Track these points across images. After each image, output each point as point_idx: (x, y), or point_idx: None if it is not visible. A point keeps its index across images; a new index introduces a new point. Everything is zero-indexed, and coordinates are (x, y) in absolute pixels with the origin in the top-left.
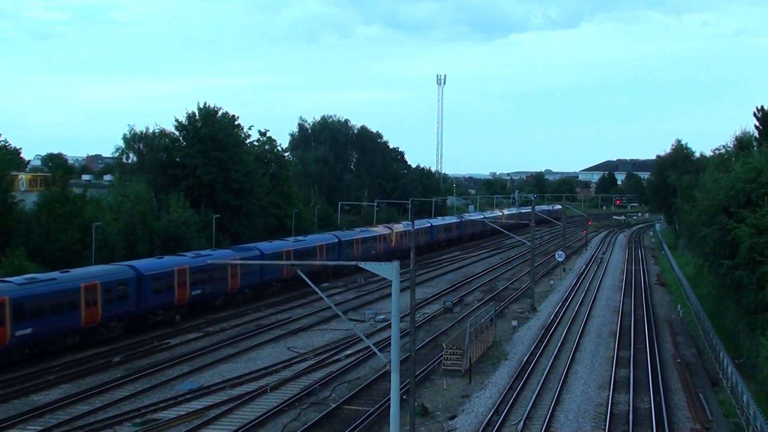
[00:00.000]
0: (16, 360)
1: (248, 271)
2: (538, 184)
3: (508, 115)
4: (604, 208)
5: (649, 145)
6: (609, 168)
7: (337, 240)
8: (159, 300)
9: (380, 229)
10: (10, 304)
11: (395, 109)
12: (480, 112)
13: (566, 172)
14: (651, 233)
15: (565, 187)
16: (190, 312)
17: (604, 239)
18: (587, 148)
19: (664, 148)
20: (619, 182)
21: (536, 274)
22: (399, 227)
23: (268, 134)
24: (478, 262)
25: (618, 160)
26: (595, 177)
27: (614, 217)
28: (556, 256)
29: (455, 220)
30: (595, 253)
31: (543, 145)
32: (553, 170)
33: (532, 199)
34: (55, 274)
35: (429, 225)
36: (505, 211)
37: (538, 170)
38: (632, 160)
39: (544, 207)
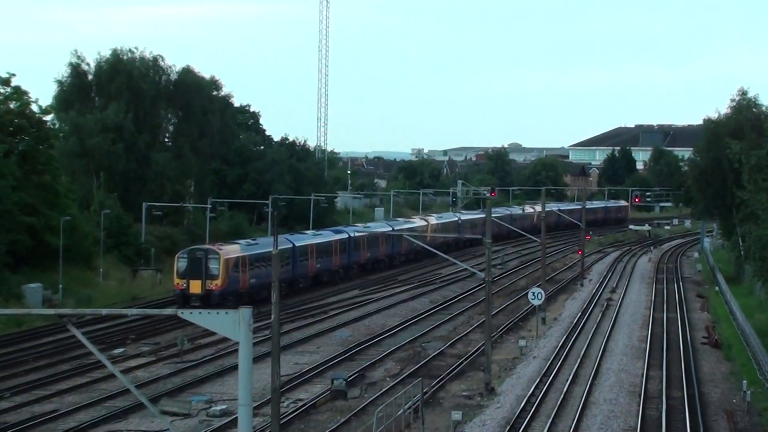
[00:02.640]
0: (246, 302)
1: (344, 251)
2: (497, 169)
3: (444, 49)
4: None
5: (691, 101)
6: (622, 141)
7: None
8: (303, 268)
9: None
10: (248, 260)
11: (245, 38)
12: (395, 42)
13: (547, 149)
14: (695, 254)
15: (544, 174)
16: (312, 283)
17: (614, 265)
18: (584, 108)
19: (718, 106)
20: (639, 165)
21: (495, 330)
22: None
23: (14, 83)
24: (392, 307)
25: (637, 128)
26: (598, 156)
27: (632, 226)
28: (530, 296)
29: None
30: (598, 289)
31: (505, 103)
32: (525, 145)
33: (486, 196)
34: (250, 240)
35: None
36: (439, 218)
37: (498, 145)
38: (662, 126)
39: (510, 209)
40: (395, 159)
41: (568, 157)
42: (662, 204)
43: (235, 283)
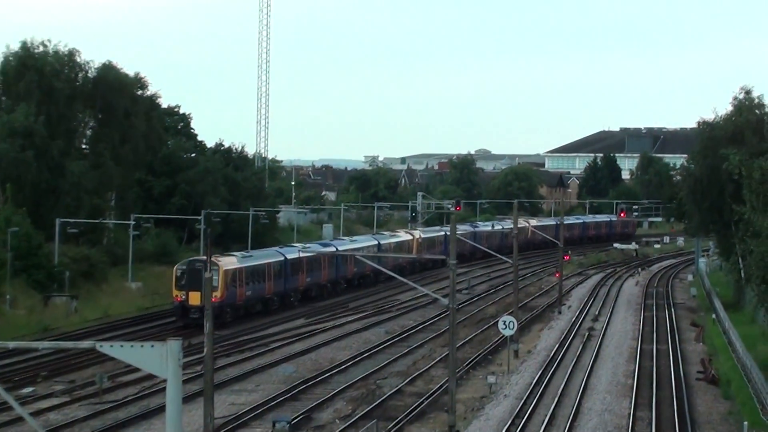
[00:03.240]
0: (242, 315)
1: (332, 265)
2: (463, 179)
3: (401, 45)
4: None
5: (683, 101)
6: (605, 146)
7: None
8: (294, 282)
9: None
10: (245, 272)
11: (173, 30)
12: (345, 38)
13: (519, 156)
14: (689, 277)
15: (517, 184)
16: (302, 297)
17: (597, 290)
18: (561, 109)
19: (716, 107)
20: (625, 174)
21: (461, 364)
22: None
23: None
24: (342, 338)
25: (623, 132)
26: (578, 164)
27: (617, 245)
28: (501, 325)
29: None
30: (578, 317)
31: (472, 104)
32: (494, 152)
33: (450, 210)
34: (245, 252)
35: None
36: (418, 233)
37: (463, 152)
38: (651, 130)
39: (501, 223)
40: (346, 168)
41: (543, 165)
42: (651, 219)
43: (233, 296)
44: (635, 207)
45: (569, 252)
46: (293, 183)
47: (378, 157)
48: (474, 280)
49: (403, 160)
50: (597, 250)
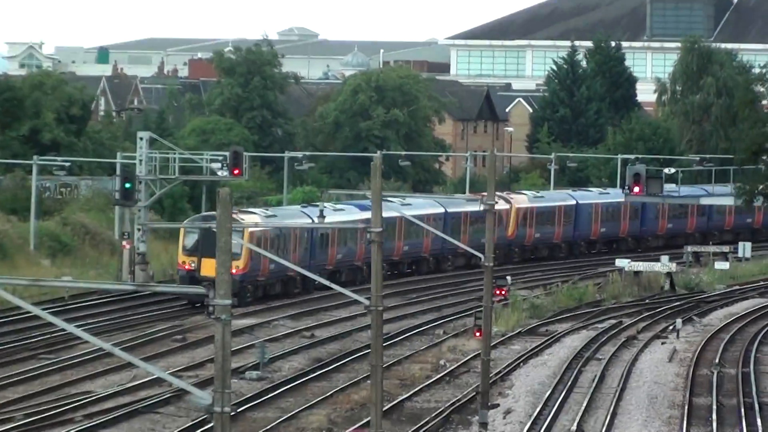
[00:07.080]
0: (261, 296)
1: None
2: (246, 103)
3: None
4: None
5: None
6: (594, 23)
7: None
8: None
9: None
10: (270, 238)
11: None
12: None
13: (388, 44)
14: None
15: (380, 113)
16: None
17: (573, 370)
18: None
19: None
20: (645, 91)
21: None
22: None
23: None
24: None
25: None
26: (530, 67)
27: (621, 262)
28: None
29: None
30: None
31: None
32: (326, 36)
33: (220, 176)
34: (265, 209)
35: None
36: None
37: (252, 36)
38: None
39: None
40: None
41: (447, 68)
42: (707, 198)
43: (257, 268)
44: (669, 170)
45: (508, 279)
46: None
47: (40, 45)
48: (275, 344)
49: (102, 52)
50: (577, 272)
